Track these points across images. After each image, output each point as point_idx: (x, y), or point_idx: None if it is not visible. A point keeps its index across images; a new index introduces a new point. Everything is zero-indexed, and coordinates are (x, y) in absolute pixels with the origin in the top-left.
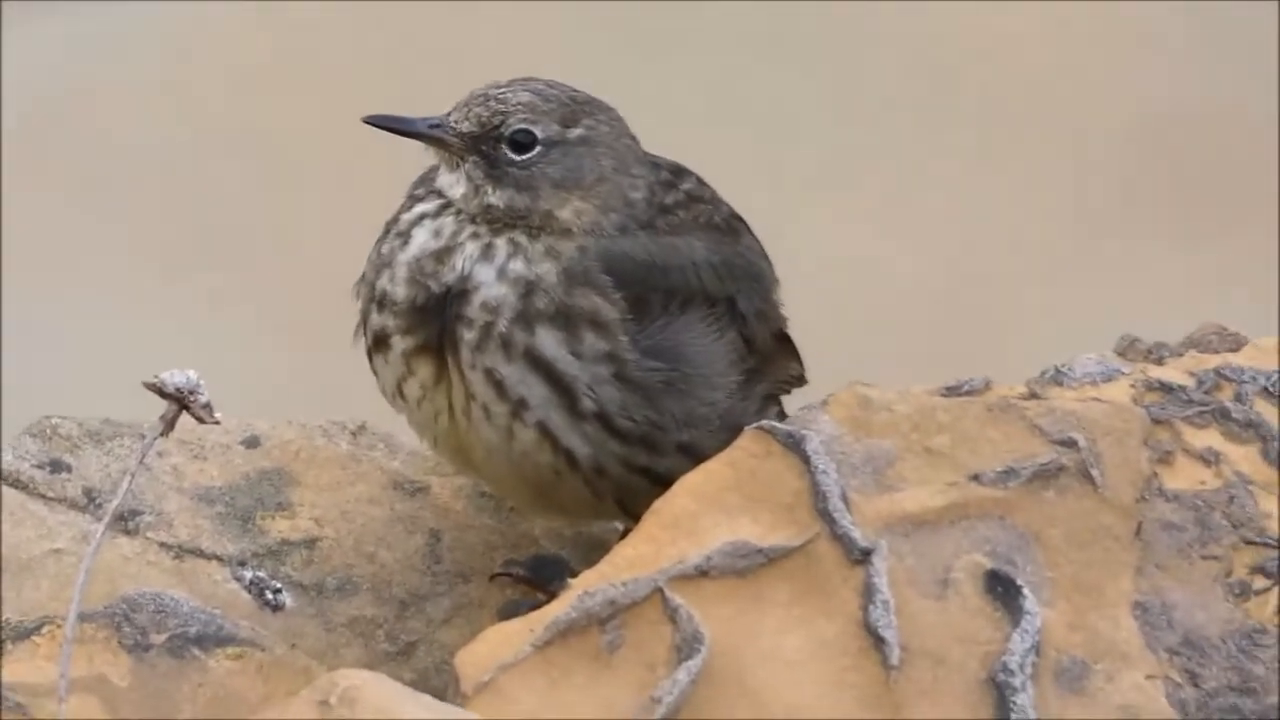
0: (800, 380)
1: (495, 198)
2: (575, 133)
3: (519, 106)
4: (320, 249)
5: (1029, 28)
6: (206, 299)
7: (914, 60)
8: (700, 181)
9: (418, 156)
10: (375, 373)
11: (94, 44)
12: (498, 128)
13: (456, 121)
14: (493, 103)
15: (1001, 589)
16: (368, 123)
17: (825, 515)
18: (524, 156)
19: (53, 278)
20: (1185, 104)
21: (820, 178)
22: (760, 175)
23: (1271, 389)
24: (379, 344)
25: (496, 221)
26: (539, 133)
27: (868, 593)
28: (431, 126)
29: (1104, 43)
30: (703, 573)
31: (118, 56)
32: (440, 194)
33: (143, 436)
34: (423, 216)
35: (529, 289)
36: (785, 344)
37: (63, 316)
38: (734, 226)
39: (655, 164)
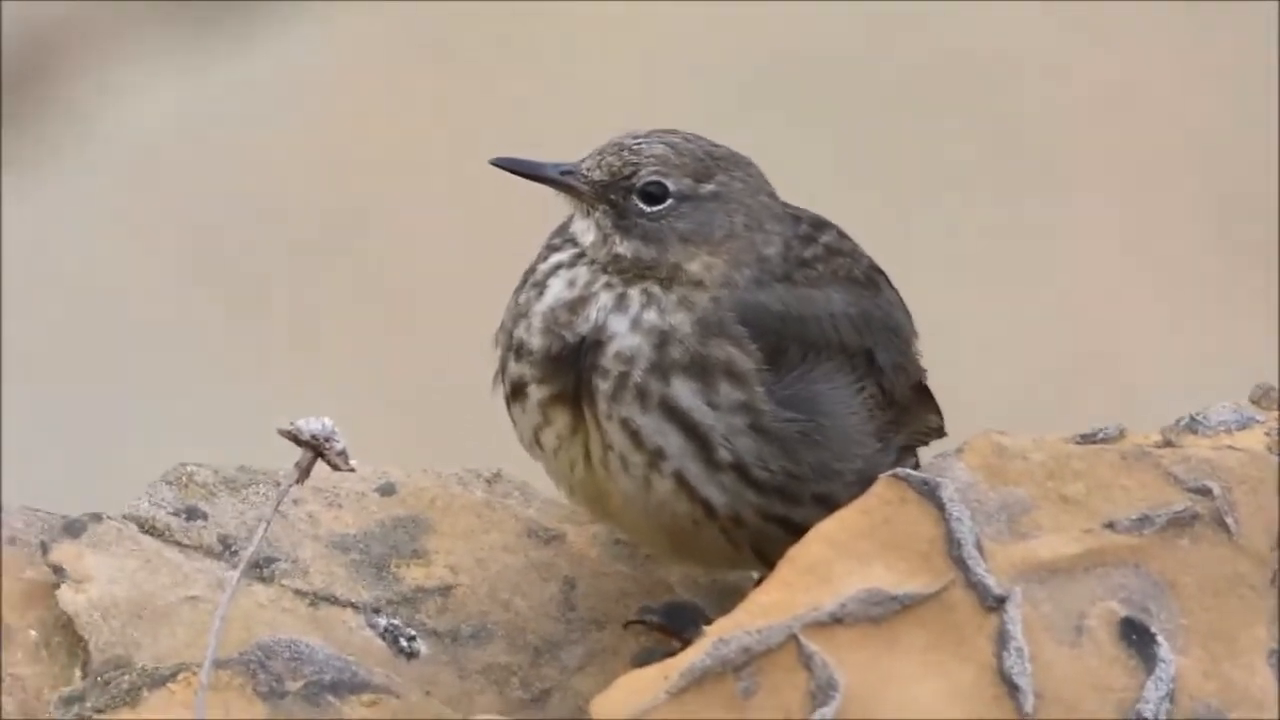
0: (939, 432)
1: (623, 248)
2: (708, 188)
3: (652, 159)
4: (459, 296)
5: (1156, 80)
6: (343, 346)
7: (1045, 112)
8: (841, 234)
9: (558, 205)
10: (513, 421)
11: (215, 94)
12: (629, 178)
13: (589, 169)
14: (626, 153)
15: (1136, 636)
16: (495, 165)
17: (960, 562)
18: (654, 209)
19: (189, 327)
20: None
21: (956, 227)
22: (897, 227)
23: None
24: (516, 393)
25: (627, 271)
26: (670, 186)
27: (1002, 640)
28: (563, 173)
29: (1237, 93)
30: (837, 620)
31: (237, 103)
32: (575, 242)
33: (278, 484)
34: (558, 266)
35: (663, 339)
36: (924, 395)
37: (199, 364)
38: (873, 279)
39: (795, 217)
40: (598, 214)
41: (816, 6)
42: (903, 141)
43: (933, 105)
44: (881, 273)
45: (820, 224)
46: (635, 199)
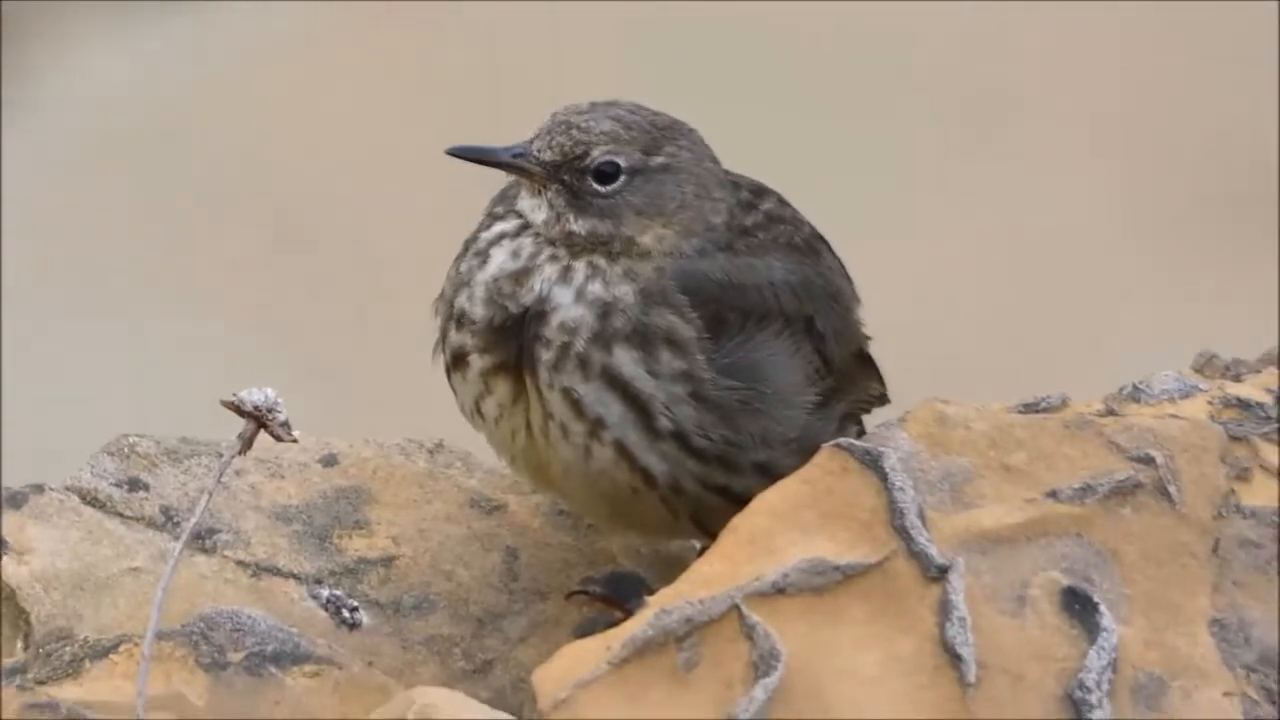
0: (882, 399)
1: (577, 225)
2: (658, 160)
3: (602, 136)
4: (397, 266)
5: (1099, 42)
6: (283, 316)
7: (987, 74)
8: (781, 201)
9: (496, 172)
10: (453, 390)
11: (176, 72)
12: (581, 158)
13: (539, 150)
14: (575, 131)
15: (1079, 606)
16: (452, 154)
17: (902, 532)
18: (608, 187)
19: (129, 296)
20: (1264, 118)
21: (899, 194)
22: (838, 193)
23: None
24: (457, 362)
25: (577, 246)
26: (622, 162)
27: (944, 610)
28: (514, 156)
29: (1180, 56)
30: (779, 590)
31: (191, 74)
32: (519, 213)
33: (220, 455)
34: (501, 236)
35: (606, 310)
36: (866, 363)
37: (139, 334)
38: (814, 246)
39: (736, 184)
40: (550, 193)
41: None
42: (852, 99)
43: (885, 64)
44: (823, 239)
45: (760, 190)
46: (589, 179)
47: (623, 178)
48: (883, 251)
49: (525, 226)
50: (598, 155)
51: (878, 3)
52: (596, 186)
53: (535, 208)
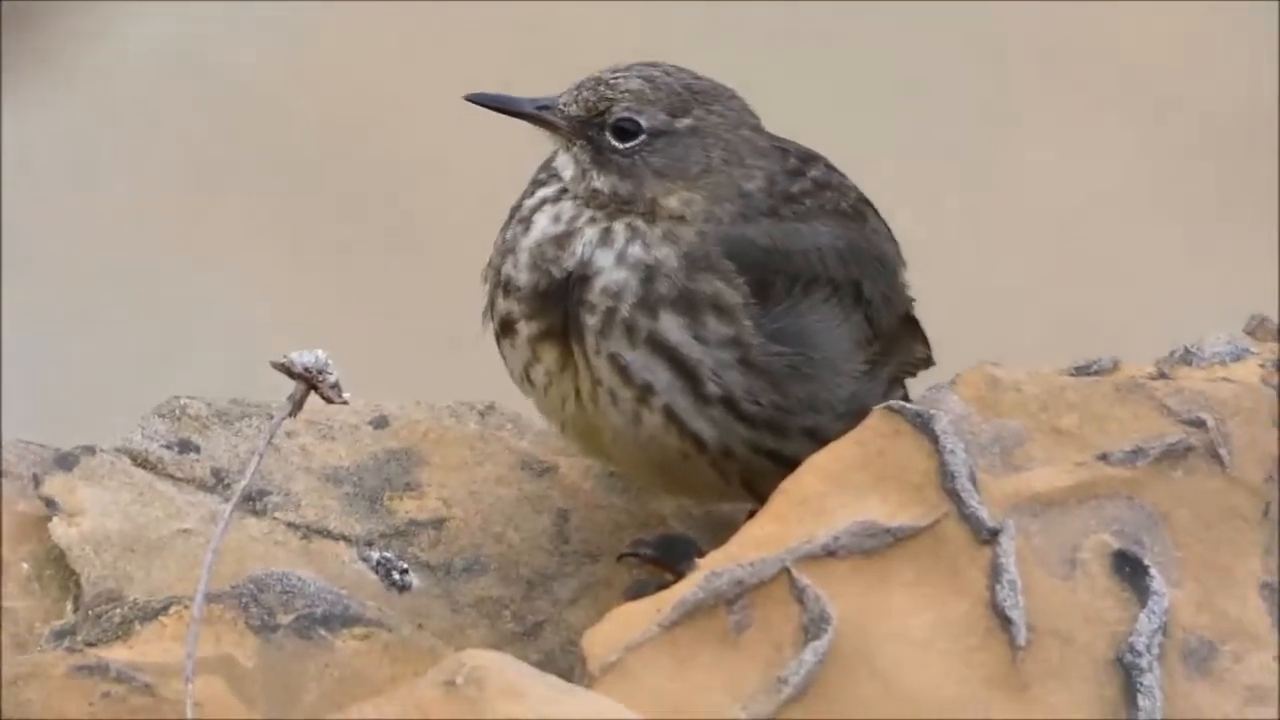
0: (926, 362)
1: (600, 183)
2: (684, 123)
3: (626, 94)
4: (451, 231)
5: (1136, 9)
6: (336, 279)
7: (1026, 40)
8: (829, 166)
9: (547, 143)
10: (503, 357)
11: (223, 31)
12: (603, 113)
13: (565, 104)
14: (602, 88)
15: (1129, 569)
16: (471, 100)
17: (953, 495)
18: (627, 144)
19: (183, 260)
20: None
21: (947, 158)
22: (888, 159)
23: None
24: (505, 329)
25: (607, 206)
26: (644, 121)
27: (995, 573)
28: (539, 108)
29: (1214, 20)
30: (830, 553)
31: (244, 44)
32: (559, 177)
33: (271, 416)
34: (544, 201)
35: (649, 274)
36: (911, 326)
37: (193, 297)
38: (860, 211)
39: (783, 150)
40: (575, 149)
41: None
42: (895, 65)
43: (927, 27)
44: (869, 204)
45: (808, 157)
46: (609, 134)
47: (643, 137)
48: (929, 215)
49: (565, 190)
50: (617, 111)
51: None
52: (615, 143)
53: (565, 164)
